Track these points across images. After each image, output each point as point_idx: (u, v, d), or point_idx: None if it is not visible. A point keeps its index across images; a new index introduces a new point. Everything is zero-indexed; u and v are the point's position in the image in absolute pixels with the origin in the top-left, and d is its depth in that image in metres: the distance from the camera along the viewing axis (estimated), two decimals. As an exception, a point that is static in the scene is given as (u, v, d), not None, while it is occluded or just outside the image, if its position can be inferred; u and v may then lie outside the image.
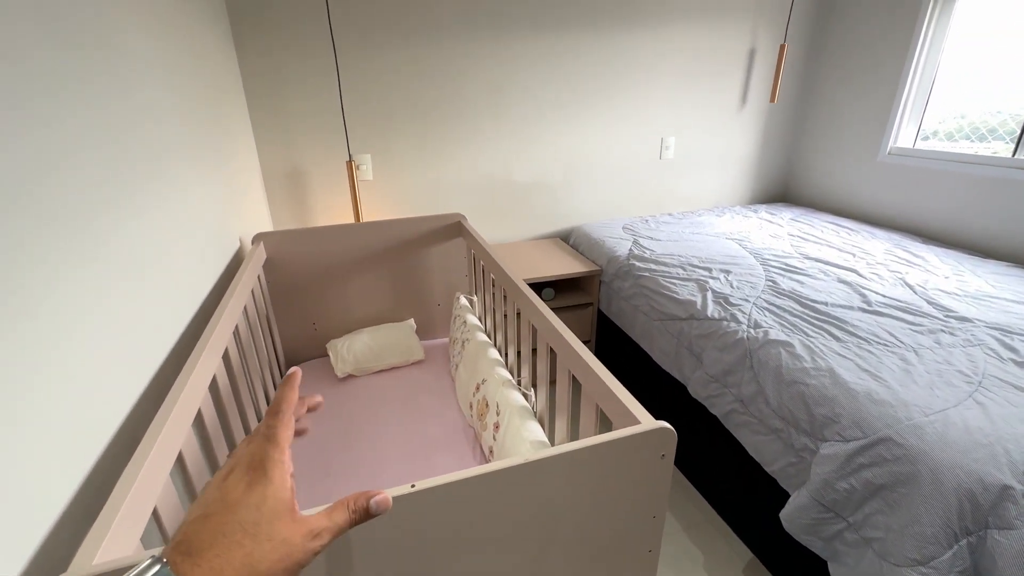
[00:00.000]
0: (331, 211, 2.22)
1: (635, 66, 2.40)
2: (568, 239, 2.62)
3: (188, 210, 1.17)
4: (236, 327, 1.20)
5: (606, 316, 2.20)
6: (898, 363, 1.25)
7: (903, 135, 2.37)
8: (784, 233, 2.31)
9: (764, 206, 2.82)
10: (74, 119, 0.75)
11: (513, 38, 2.17)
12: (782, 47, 2.47)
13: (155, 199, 1.00)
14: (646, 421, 0.67)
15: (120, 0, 0.96)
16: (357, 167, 2.14)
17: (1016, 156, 1.97)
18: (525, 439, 1.04)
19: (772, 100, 2.55)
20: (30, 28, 0.67)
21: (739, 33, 2.52)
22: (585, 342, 2.31)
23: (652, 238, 2.27)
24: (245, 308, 1.32)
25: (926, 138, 2.34)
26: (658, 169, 2.67)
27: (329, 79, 2.00)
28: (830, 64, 2.64)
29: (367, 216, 2.25)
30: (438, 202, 2.35)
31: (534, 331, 1.57)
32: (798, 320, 1.49)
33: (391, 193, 2.26)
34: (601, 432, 0.67)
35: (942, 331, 1.39)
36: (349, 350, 1.66)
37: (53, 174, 0.68)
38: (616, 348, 2.18)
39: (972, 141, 2.17)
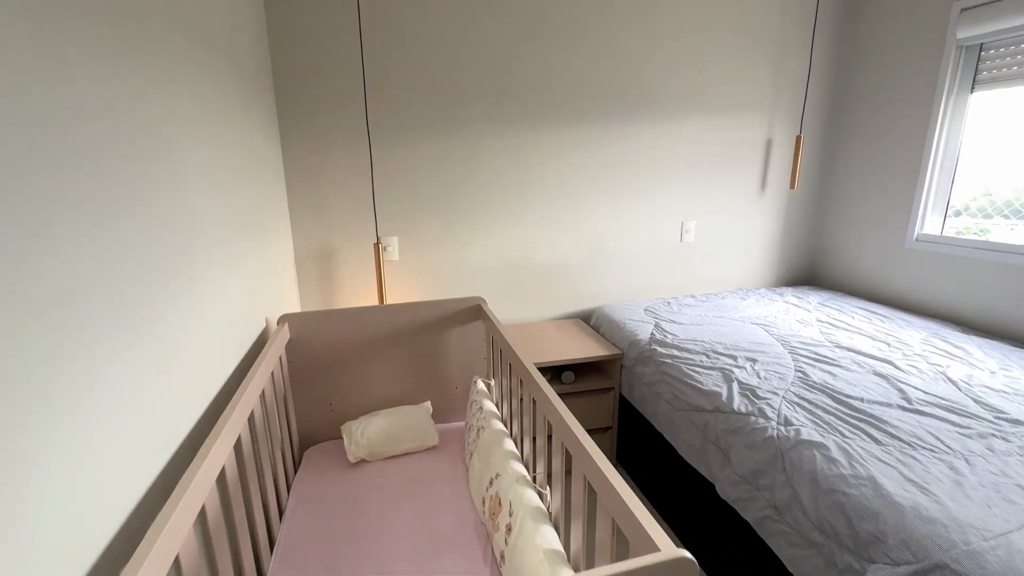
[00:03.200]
0: (358, 290, 2.29)
1: (655, 155, 2.50)
2: (589, 320, 2.61)
3: (222, 298, 1.23)
4: (252, 412, 1.20)
5: (628, 402, 2.13)
6: (947, 473, 1.15)
7: (929, 222, 2.35)
8: (812, 319, 2.24)
9: (790, 289, 2.77)
10: (131, 220, 0.81)
11: (537, 129, 2.31)
12: (798, 138, 2.55)
13: (192, 290, 1.05)
14: (666, 549, 0.62)
15: (178, 110, 1.07)
16: (384, 248, 2.23)
17: (1053, 246, 1.92)
18: (538, 546, 0.97)
19: (792, 187, 2.59)
20: (90, 137, 0.75)
21: (756, 124, 2.61)
22: (606, 428, 2.22)
23: (674, 321, 2.24)
24: (263, 392, 1.33)
25: (958, 214, 2.31)
26: (679, 252, 2.68)
27: (363, 166, 2.14)
28: (848, 153, 2.69)
29: (391, 295, 2.31)
30: (461, 282, 2.39)
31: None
32: (832, 418, 1.40)
33: (416, 273, 2.33)
34: (618, 546, 0.62)
35: (994, 435, 1.28)
36: (363, 434, 1.63)
37: (102, 275, 0.72)
38: (640, 436, 2.09)
39: (1006, 217, 2.13)
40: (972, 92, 2.17)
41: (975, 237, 2.18)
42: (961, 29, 2.11)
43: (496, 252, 2.41)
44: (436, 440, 1.71)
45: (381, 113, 2.11)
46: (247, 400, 1.11)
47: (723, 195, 2.67)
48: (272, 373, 1.43)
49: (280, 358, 1.57)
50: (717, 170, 2.62)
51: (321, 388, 1.75)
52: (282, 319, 1.64)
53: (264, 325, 1.60)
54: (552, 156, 2.36)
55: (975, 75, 2.16)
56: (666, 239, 2.64)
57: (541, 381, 1.18)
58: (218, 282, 1.22)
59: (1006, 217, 2.13)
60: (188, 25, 1.14)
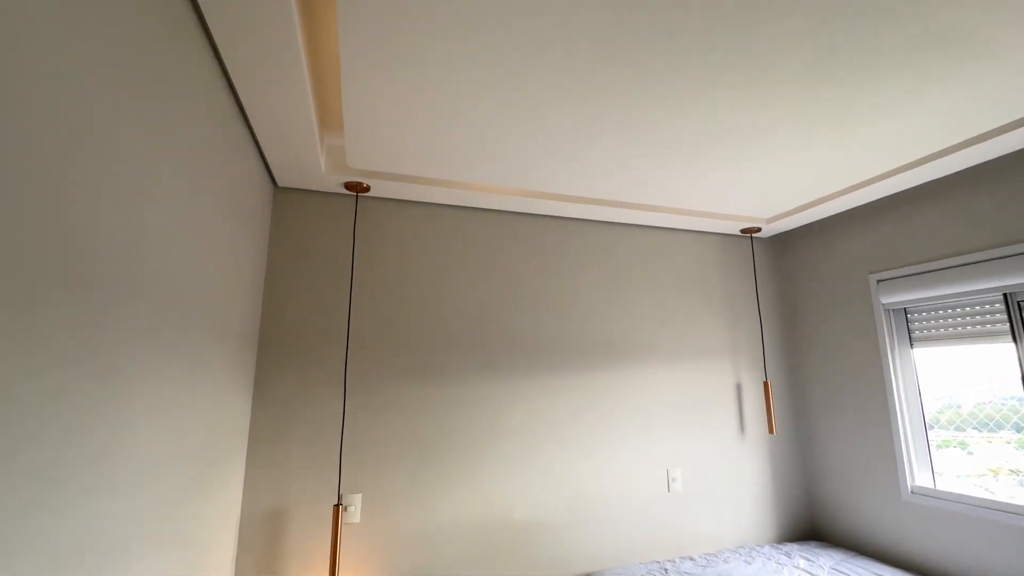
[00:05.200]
0: (308, 562, 1.95)
1: (632, 402, 2.52)
2: (577, 592, 2.22)
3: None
4: None
5: None
6: None
7: (919, 475, 2.28)
8: (832, 595, 1.95)
9: (797, 546, 2.50)
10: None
11: (512, 379, 2.35)
12: (766, 384, 2.65)
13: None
14: None
15: (145, 390, 1.03)
16: (345, 509, 2.00)
17: (1055, 508, 1.83)
18: None
19: (771, 431, 2.57)
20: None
21: (723, 369, 2.74)
22: None
23: (677, 600, 1.92)
24: None
25: (931, 427, 2.29)
26: (669, 504, 2.48)
27: (334, 417, 2.07)
28: (817, 400, 2.77)
29: (347, 568, 1.97)
30: (429, 549, 2.09)
31: None
32: None
33: (378, 538, 2.04)
34: None
35: None
36: None
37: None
38: None
39: (980, 431, 2.10)
40: (913, 348, 2.38)
41: (974, 493, 2.10)
42: (882, 296, 2.43)
43: (469, 509, 2.18)
44: None
45: (360, 365, 2.14)
46: None
47: (704, 440, 2.62)
48: None
49: None
50: (695, 413, 2.63)
51: None
52: (202, 623, 1.32)
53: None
54: (529, 405, 2.35)
55: (910, 334, 2.39)
56: (653, 489, 2.47)
57: None
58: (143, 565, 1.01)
59: (980, 431, 2.12)
60: (199, 315, 1.21)
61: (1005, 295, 2.03)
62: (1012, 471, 2.04)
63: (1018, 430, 2.04)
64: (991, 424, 2.13)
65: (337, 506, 1.85)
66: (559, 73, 1.42)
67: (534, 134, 1.76)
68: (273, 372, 2.02)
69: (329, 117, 1.86)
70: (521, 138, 1.79)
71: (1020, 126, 1.71)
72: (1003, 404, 2.09)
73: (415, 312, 2.25)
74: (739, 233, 2.93)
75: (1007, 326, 2.02)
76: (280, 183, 2.10)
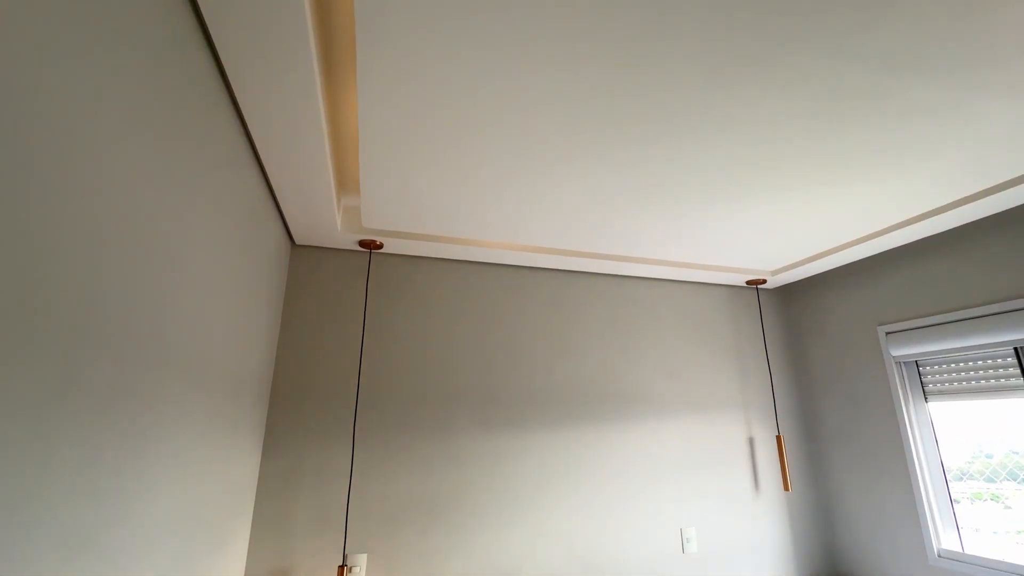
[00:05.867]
0: (308, 626, 1.89)
1: (643, 457, 2.48)
2: (590, 664, 2.11)
3: None
4: None
5: None
6: None
7: (945, 536, 2.19)
8: (861, 670, 1.84)
9: (820, 615, 2.37)
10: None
11: (522, 433, 2.33)
12: (778, 438, 2.60)
13: None
14: None
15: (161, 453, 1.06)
16: (349, 570, 1.95)
17: (1091, 575, 1.74)
18: None
19: (786, 488, 2.50)
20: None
21: (735, 422, 2.70)
22: None
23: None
24: None
25: (959, 479, 2.20)
26: (685, 566, 2.39)
27: (341, 474, 2.06)
28: (832, 456, 2.70)
29: (348, 633, 1.90)
30: (434, 612, 2.02)
31: None
32: None
33: (382, 600, 1.98)
34: None
35: None
36: None
37: None
38: None
39: (1013, 481, 2.01)
40: (927, 402, 2.34)
41: (1007, 556, 2.00)
42: (892, 348, 2.42)
43: (478, 568, 2.11)
44: None
45: (368, 419, 2.15)
46: None
47: (718, 498, 2.54)
48: None
49: None
50: (707, 471, 2.57)
51: None
52: None
53: None
54: (538, 460, 2.32)
55: (923, 387, 2.36)
56: (667, 550, 2.38)
57: None
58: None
59: (1014, 482, 2.03)
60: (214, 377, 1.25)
61: (1015, 349, 2.02)
62: None
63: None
64: (1022, 475, 2.05)
65: (342, 567, 1.81)
66: (567, 138, 1.51)
67: (543, 195, 1.85)
68: (283, 427, 2.04)
69: (346, 179, 1.97)
70: (530, 198, 1.87)
71: (1016, 184, 1.76)
72: None
73: (424, 366, 2.28)
74: (745, 284, 2.96)
75: (1021, 380, 1.99)
76: (298, 241, 2.19)
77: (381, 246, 2.25)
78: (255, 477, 1.94)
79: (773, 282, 2.92)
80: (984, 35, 1.12)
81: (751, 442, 2.70)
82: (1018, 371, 2.01)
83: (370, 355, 2.22)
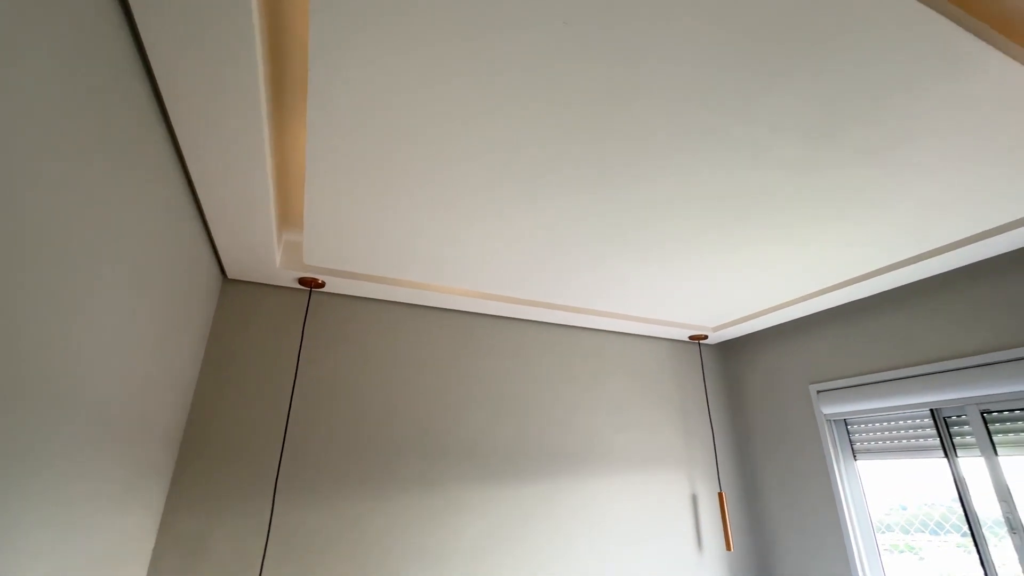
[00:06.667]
0: None
1: (585, 513, 2.39)
2: None
3: None
4: None
5: None
6: None
7: (876, 597, 2.22)
8: None
9: None
10: None
11: (462, 490, 2.19)
12: (720, 495, 2.60)
13: None
14: None
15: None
16: (256, 653, 1.70)
17: (1009, 637, 1.80)
18: None
19: (728, 548, 2.48)
20: None
21: (679, 479, 2.68)
22: None
23: None
24: None
25: (881, 531, 2.28)
26: (627, 634, 2.27)
27: (257, 533, 1.83)
28: (771, 511, 2.73)
29: None
30: None
31: None
32: None
33: None
34: None
35: None
36: None
37: None
38: None
39: (926, 533, 2.09)
40: (856, 460, 2.43)
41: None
42: (823, 406, 2.52)
43: (406, 648, 1.90)
44: None
45: (293, 473, 1.95)
46: None
47: (662, 557, 2.48)
48: None
49: None
50: (651, 528, 2.51)
51: None
52: None
53: None
54: (478, 520, 2.18)
55: (852, 445, 2.46)
56: (610, 618, 2.27)
57: None
58: None
59: (927, 534, 2.12)
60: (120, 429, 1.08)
61: (932, 411, 2.15)
62: None
63: (960, 533, 2.05)
64: (932, 526, 2.14)
65: (247, 651, 1.57)
66: (521, 189, 1.51)
67: (494, 240, 1.82)
68: (192, 480, 1.80)
69: (289, 213, 1.87)
70: (482, 243, 1.84)
71: (935, 255, 1.92)
72: (945, 507, 2.12)
73: (361, 416, 2.12)
74: (688, 340, 3.03)
75: (937, 441, 2.11)
76: (230, 275, 2.03)
77: (323, 285, 2.13)
78: (152, 539, 1.68)
79: (714, 338, 3.01)
80: (903, 118, 1.23)
81: (694, 499, 2.68)
82: (934, 432, 2.13)
83: (301, 402, 2.04)
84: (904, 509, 2.27)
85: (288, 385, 2.04)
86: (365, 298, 2.30)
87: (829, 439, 2.48)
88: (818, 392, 2.56)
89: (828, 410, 2.49)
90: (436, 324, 2.41)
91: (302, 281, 2.09)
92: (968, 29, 0.98)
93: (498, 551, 2.16)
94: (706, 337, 2.96)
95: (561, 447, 2.46)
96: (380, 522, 2.01)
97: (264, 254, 1.84)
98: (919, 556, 2.18)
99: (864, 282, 2.19)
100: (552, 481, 2.38)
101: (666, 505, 2.59)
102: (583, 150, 1.33)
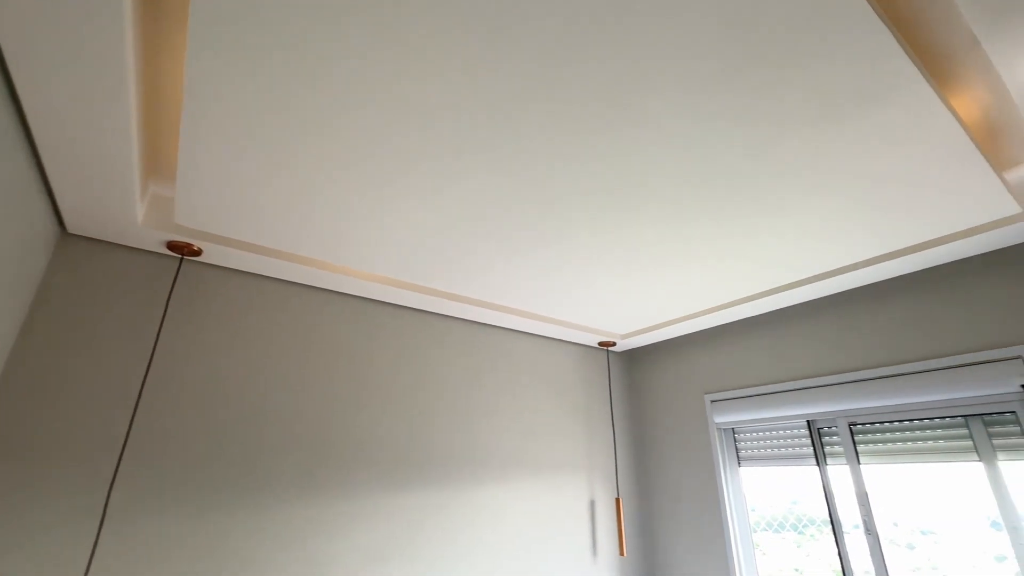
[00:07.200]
0: None
1: (486, 519, 2.26)
2: None
3: None
4: None
5: None
6: None
7: (751, 597, 2.35)
8: None
9: None
10: None
11: (350, 497, 1.96)
12: (617, 501, 2.62)
13: None
14: None
15: None
16: None
17: (859, 629, 1.97)
18: None
19: (622, 554, 2.49)
20: None
21: (579, 485, 2.66)
22: None
23: None
24: None
25: (754, 531, 2.43)
26: (517, 647, 2.18)
27: (77, 560, 1.46)
28: (664, 517, 2.81)
29: None
30: None
31: None
32: None
33: None
34: None
35: None
36: None
37: None
38: None
39: (791, 531, 2.25)
40: (740, 466, 2.58)
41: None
42: (715, 415, 2.65)
43: None
44: None
45: (133, 481, 1.60)
46: None
47: (557, 563, 2.43)
48: None
49: None
50: (550, 532, 2.45)
51: None
52: None
53: None
54: (369, 531, 1.96)
55: (738, 453, 2.60)
56: (501, 631, 2.16)
57: None
58: None
59: (776, 531, 2.29)
60: None
61: (808, 422, 2.33)
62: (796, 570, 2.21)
63: (796, 531, 2.24)
64: (775, 526, 2.33)
65: None
66: (436, 168, 1.36)
67: (400, 223, 1.65)
68: (-12, 488, 1.39)
69: (159, 159, 1.54)
70: (383, 217, 1.66)
71: (819, 279, 2.08)
72: (786, 510, 2.31)
73: (230, 412, 1.81)
74: (597, 346, 3.05)
75: (811, 450, 2.30)
76: (71, 229, 1.63)
77: (199, 252, 1.80)
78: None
79: (622, 345, 3.07)
80: (824, 136, 1.28)
81: (592, 505, 2.68)
82: (809, 441, 2.31)
83: (156, 391, 1.69)
84: (754, 510, 2.46)
85: (140, 368, 1.68)
86: (250, 273, 1.98)
87: (719, 446, 2.61)
88: (712, 402, 2.69)
89: (719, 419, 2.62)
90: (329, 309, 2.16)
91: (172, 246, 1.74)
92: (908, 55, 1.01)
93: (389, 564, 1.95)
94: (614, 344, 3.00)
95: (461, 451, 2.32)
96: (249, 539, 1.72)
97: (120, 208, 1.50)
98: (762, 551, 2.36)
99: (757, 300, 2.33)
100: (450, 487, 2.22)
101: (565, 511, 2.56)
102: (502, 126, 1.21)
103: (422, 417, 2.24)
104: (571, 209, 1.58)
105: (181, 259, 1.84)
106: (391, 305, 2.33)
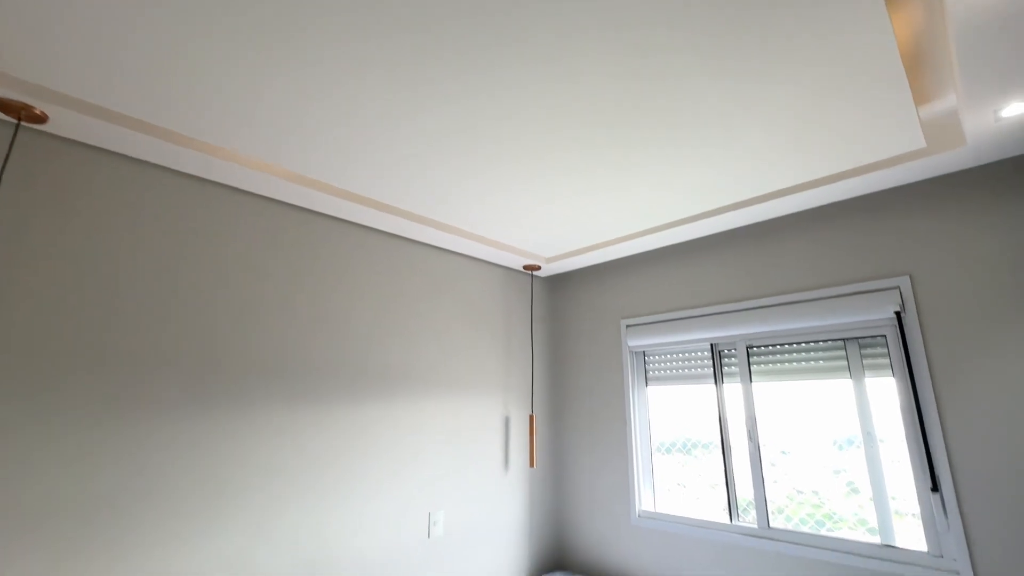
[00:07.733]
0: None
1: (400, 437, 2.23)
2: None
3: None
4: None
5: None
6: None
7: (646, 500, 2.58)
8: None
9: (544, 581, 2.54)
10: None
11: (250, 412, 1.82)
12: (531, 417, 2.70)
13: None
14: None
15: None
16: None
17: (732, 523, 2.24)
18: None
19: (531, 465, 2.61)
20: None
21: (495, 404, 2.70)
22: None
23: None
24: None
25: (659, 451, 2.64)
26: (428, 551, 2.24)
27: None
28: (574, 433, 2.96)
29: None
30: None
31: None
32: None
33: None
34: None
35: None
36: None
37: None
38: None
39: (682, 453, 2.48)
40: (647, 386, 2.74)
41: (680, 514, 2.44)
42: (629, 339, 2.76)
43: (154, 597, 1.53)
44: None
45: (-22, 383, 1.34)
46: None
47: (470, 477, 2.49)
48: None
49: None
50: (464, 450, 2.49)
51: None
52: None
53: None
54: (271, 447, 1.85)
55: (646, 374, 2.76)
56: (413, 537, 2.20)
57: None
58: None
59: (682, 454, 2.52)
60: None
61: (711, 345, 2.50)
62: (678, 484, 2.47)
63: (684, 452, 2.47)
64: (666, 447, 2.56)
65: None
66: (361, 38, 1.14)
67: (316, 102, 1.42)
68: None
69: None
70: (299, 103, 1.42)
71: (740, 207, 2.14)
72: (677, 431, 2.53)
73: (112, 315, 1.56)
74: (522, 269, 3.02)
75: (711, 371, 2.48)
76: None
77: (43, 119, 1.44)
78: None
79: (547, 270, 3.06)
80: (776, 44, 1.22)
81: (507, 421, 2.75)
82: (710, 363, 2.49)
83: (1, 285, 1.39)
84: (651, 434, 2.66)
85: (-32, 259, 1.36)
86: (112, 152, 1.65)
87: (629, 368, 2.75)
88: (627, 327, 2.79)
89: (633, 343, 2.74)
90: (226, 206, 1.89)
91: (4, 106, 1.38)
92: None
93: (297, 477, 1.87)
94: (539, 268, 2.98)
95: (378, 367, 2.23)
96: (131, 455, 1.54)
97: (-87, 37, 1.12)
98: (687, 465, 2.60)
99: (674, 228, 2.39)
100: (364, 405, 2.14)
101: (480, 428, 2.60)
102: (438, 33, 1.03)
103: (335, 333, 2.10)
104: (502, 138, 1.43)
105: (18, 124, 1.47)
106: (303, 209, 2.09)
